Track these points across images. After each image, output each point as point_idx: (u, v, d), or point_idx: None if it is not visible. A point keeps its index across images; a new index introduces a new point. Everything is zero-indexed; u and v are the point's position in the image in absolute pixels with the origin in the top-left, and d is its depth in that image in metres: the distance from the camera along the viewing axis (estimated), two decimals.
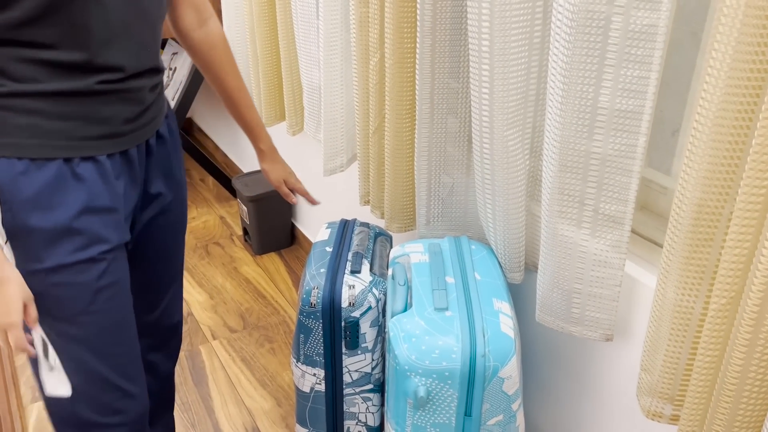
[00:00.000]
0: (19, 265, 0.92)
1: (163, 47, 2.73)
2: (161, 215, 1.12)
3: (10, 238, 0.90)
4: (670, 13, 0.83)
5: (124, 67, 0.91)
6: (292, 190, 1.37)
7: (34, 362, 0.98)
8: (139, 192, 1.04)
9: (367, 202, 1.57)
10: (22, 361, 1.86)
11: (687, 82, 1.05)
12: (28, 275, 0.92)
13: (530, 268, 1.27)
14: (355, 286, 1.31)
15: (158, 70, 1.00)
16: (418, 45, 1.19)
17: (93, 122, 0.91)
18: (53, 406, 1.02)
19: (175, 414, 1.58)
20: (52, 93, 0.87)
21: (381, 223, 1.78)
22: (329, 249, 1.41)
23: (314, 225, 2.27)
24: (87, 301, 0.94)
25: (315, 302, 1.31)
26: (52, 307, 0.94)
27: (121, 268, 0.99)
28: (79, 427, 1.02)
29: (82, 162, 0.91)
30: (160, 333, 1.26)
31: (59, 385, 0.99)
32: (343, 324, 1.31)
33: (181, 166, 1.15)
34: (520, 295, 1.34)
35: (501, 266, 1.24)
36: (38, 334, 0.95)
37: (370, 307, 1.30)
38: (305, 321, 1.33)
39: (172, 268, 1.20)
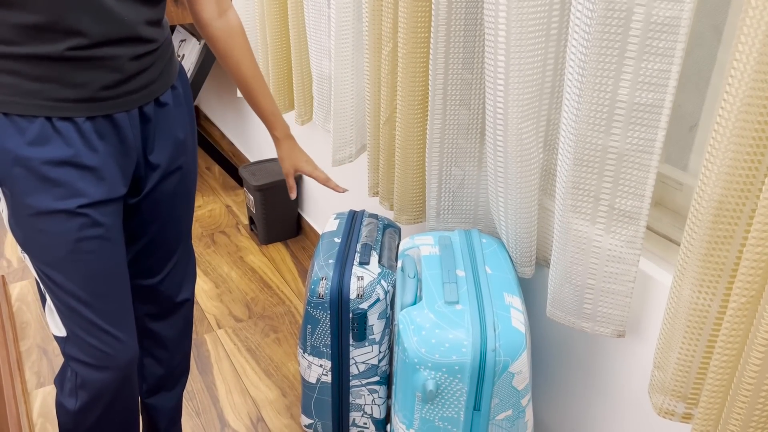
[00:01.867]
0: (10, 209, 1.01)
1: (171, 32, 2.72)
2: (164, 183, 1.14)
3: (2, 183, 0.99)
4: (693, 5, 0.82)
5: (90, 32, 0.93)
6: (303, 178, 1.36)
7: (44, 302, 1.09)
8: (136, 157, 1.07)
9: (376, 194, 1.56)
10: (27, 346, 1.86)
11: (707, 77, 1.03)
12: (18, 220, 1.00)
13: (541, 262, 1.26)
14: (363, 277, 1.30)
15: (143, 40, 1.00)
16: (432, 35, 1.17)
17: (68, 86, 0.95)
18: (57, 344, 1.11)
19: None
20: (27, 56, 0.92)
21: (390, 215, 1.77)
22: (338, 240, 1.40)
23: (321, 215, 2.26)
24: (67, 250, 1.00)
25: (323, 293, 1.30)
26: (38, 252, 1.02)
27: (109, 223, 1.04)
28: (72, 366, 1.09)
29: (60, 121, 0.96)
30: (161, 303, 1.27)
31: (54, 326, 1.08)
32: (350, 315, 1.30)
33: (189, 135, 1.16)
34: (530, 290, 1.32)
35: (512, 260, 1.22)
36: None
37: (378, 299, 1.29)
38: (313, 312, 1.32)
39: (173, 236, 1.22)
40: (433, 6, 1.14)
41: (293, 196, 1.36)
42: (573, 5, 0.91)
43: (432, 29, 1.17)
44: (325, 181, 1.34)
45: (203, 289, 2.13)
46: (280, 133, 1.30)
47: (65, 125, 0.97)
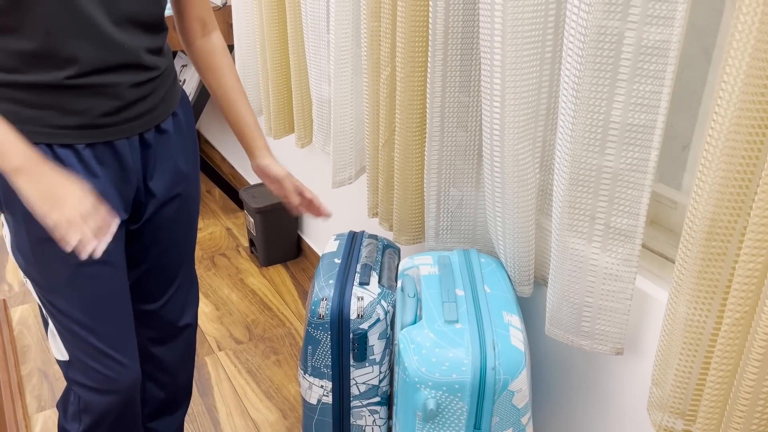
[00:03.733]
0: (13, 235, 1.02)
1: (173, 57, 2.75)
2: (164, 209, 1.14)
3: (4, 209, 1.01)
4: (682, 29, 0.84)
5: (89, 60, 0.94)
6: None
7: (46, 327, 1.10)
8: (136, 183, 1.07)
9: (375, 215, 1.58)
10: (27, 370, 1.86)
11: (698, 97, 1.06)
12: (20, 245, 1.01)
13: (539, 281, 1.27)
14: (363, 297, 1.31)
15: (144, 68, 1.01)
16: (429, 59, 1.20)
17: (68, 113, 0.96)
18: (60, 369, 1.13)
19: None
20: (27, 84, 0.94)
21: (389, 236, 1.79)
22: (338, 261, 1.42)
23: (321, 237, 2.27)
24: (69, 275, 1.01)
25: (323, 314, 1.31)
26: (39, 278, 1.03)
27: (110, 248, 1.05)
28: (75, 390, 1.09)
29: (60, 148, 0.97)
30: (163, 328, 1.28)
31: (57, 350, 1.09)
32: (351, 336, 1.31)
33: (190, 162, 1.17)
34: (529, 309, 1.33)
35: (510, 279, 1.24)
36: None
37: (378, 319, 1.30)
38: (313, 332, 1.33)
39: (174, 261, 1.23)
40: (430, 30, 1.17)
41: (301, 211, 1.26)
42: (566, 29, 0.94)
43: (429, 53, 1.19)
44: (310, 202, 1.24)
45: (204, 312, 2.14)
46: (268, 151, 1.23)
47: (65, 152, 0.98)
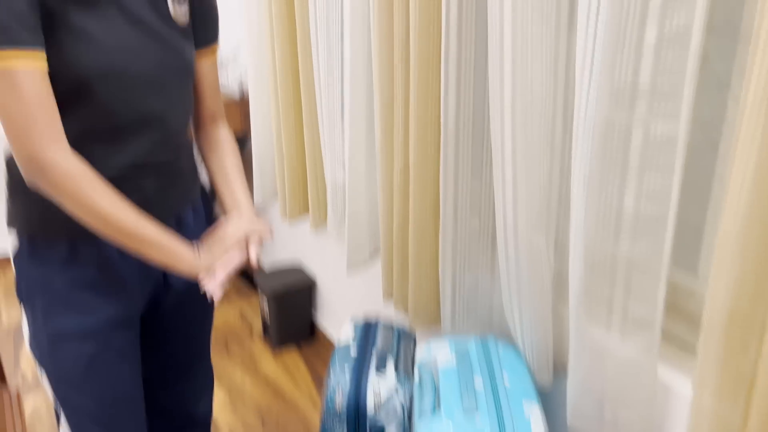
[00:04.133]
0: (31, 327, 1.02)
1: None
2: (181, 300, 1.15)
3: (24, 301, 1.02)
4: (688, 124, 0.86)
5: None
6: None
7: (58, 420, 1.09)
8: (156, 275, 1.09)
9: (390, 296, 1.57)
10: None
11: (708, 185, 1.07)
12: (38, 338, 1.01)
13: (559, 368, 1.24)
14: (380, 389, 1.29)
15: (166, 164, 1.04)
16: (441, 147, 1.22)
17: None
18: None
19: None
20: None
21: (404, 320, 1.77)
22: (353, 350, 1.40)
23: (335, 319, 2.26)
24: (83, 369, 1.01)
25: (339, 407, 1.29)
26: (54, 373, 1.03)
27: (125, 342, 1.06)
28: None
29: (83, 245, 0.99)
30: (178, 418, 1.26)
31: None
32: (368, 429, 1.28)
33: None
34: (549, 397, 1.30)
35: (529, 368, 1.21)
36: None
37: (395, 412, 1.27)
38: (329, 425, 1.30)
39: (190, 351, 1.23)
40: (441, 121, 1.21)
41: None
42: (575, 122, 0.96)
43: (441, 142, 1.22)
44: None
45: (216, 398, 2.10)
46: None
47: (88, 248, 1.00)
